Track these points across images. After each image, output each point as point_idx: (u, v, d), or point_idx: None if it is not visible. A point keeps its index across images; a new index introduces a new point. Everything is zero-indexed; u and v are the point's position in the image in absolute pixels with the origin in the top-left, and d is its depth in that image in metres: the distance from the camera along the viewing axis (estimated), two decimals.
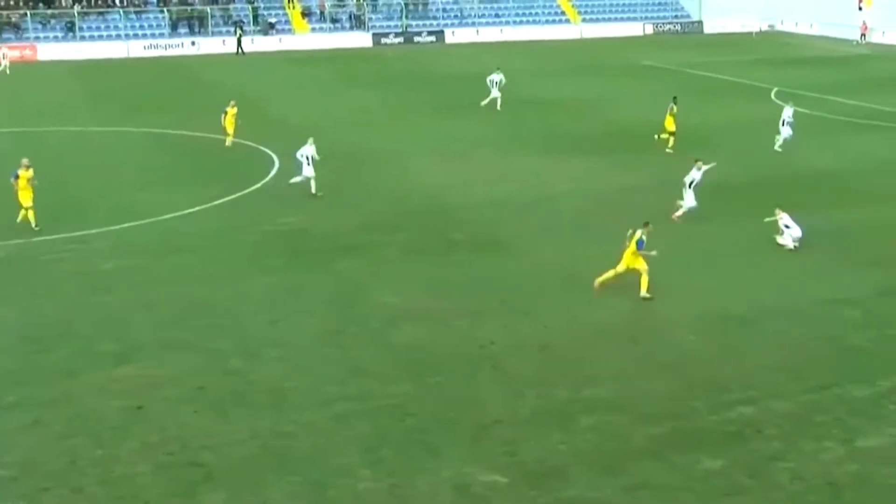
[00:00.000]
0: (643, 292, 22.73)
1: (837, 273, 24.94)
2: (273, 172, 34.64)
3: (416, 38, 75.74)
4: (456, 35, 76.54)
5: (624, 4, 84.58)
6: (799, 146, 38.29)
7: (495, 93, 46.62)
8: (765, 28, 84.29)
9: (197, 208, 30.32)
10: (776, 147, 37.78)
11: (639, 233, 22.75)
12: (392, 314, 22.04)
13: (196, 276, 24.72)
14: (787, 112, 38.32)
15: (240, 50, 70.33)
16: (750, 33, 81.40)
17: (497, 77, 46.92)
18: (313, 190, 31.31)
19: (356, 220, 29.19)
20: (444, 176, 31.09)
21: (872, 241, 27.20)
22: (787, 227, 26.49)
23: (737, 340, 20.84)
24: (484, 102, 46.74)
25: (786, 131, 37.88)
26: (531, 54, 68.28)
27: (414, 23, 77.46)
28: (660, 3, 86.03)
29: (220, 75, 59.37)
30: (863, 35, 77.84)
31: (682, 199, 28.60)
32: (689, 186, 28.52)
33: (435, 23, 78.12)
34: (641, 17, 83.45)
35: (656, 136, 38.25)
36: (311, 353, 20.10)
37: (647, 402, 18.02)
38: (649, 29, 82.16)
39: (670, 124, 38.14)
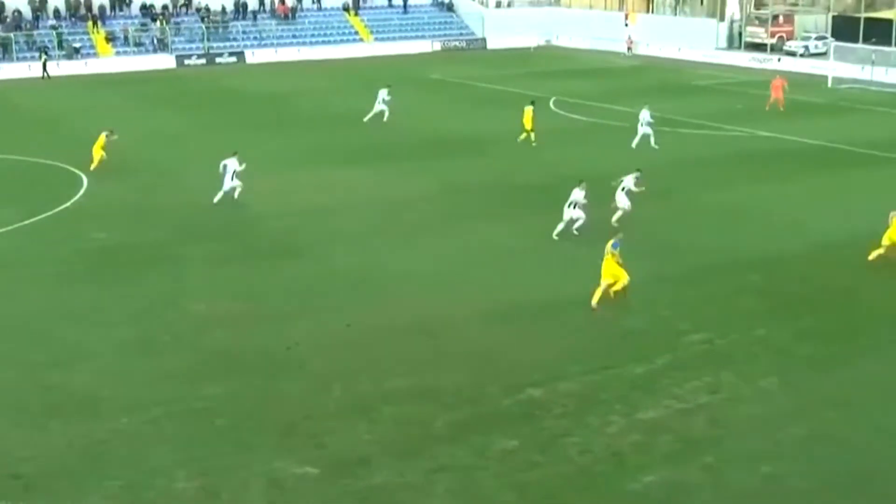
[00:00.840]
0: (619, 288, 22.20)
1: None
2: (82, 191, 33.39)
3: (218, 59, 74.31)
4: (256, 56, 75.51)
5: (413, 23, 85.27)
6: (574, 151, 39.63)
7: (380, 106, 45.93)
8: (542, 43, 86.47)
9: (6, 228, 28.95)
10: (653, 145, 39.70)
11: (612, 240, 22.49)
12: (200, 321, 21.58)
13: (6, 292, 23.69)
14: (645, 114, 40.26)
15: (45, 74, 67.48)
16: (529, 48, 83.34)
17: (384, 94, 46.29)
18: (218, 198, 30.80)
19: (165, 233, 28.46)
20: (249, 188, 30.67)
21: (645, 233, 28.23)
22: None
23: (526, 329, 21.22)
24: (366, 118, 45.90)
25: (643, 130, 39.90)
26: (328, 72, 68.06)
27: (215, 44, 76.02)
28: (446, 22, 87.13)
29: (25, 99, 56.85)
30: (629, 48, 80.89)
31: (616, 203, 28.75)
32: (622, 190, 28.84)
33: (235, 44, 76.89)
34: (430, 35, 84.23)
35: (520, 139, 40.42)
36: (124, 362, 19.50)
37: (445, 391, 18.14)
38: (437, 46, 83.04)
39: (528, 122, 40.56)
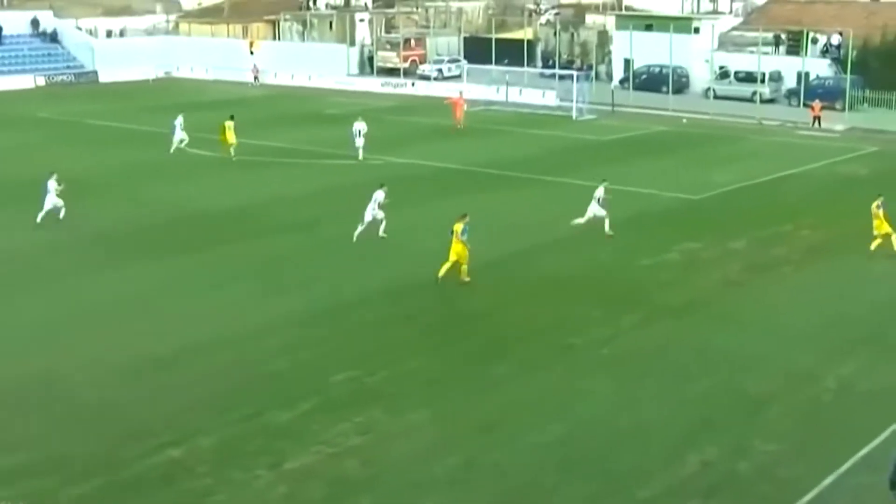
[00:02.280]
0: (464, 277, 27.13)
1: (259, 301, 26.16)
2: None
3: None
4: None
5: (10, 56, 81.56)
6: (196, 187, 39.77)
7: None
8: (161, 75, 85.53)
9: None
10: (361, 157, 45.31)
11: (460, 224, 26.97)
12: None
13: None
14: (360, 125, 46.09)
15: None
16: (147, 80, 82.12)
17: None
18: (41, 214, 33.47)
19: None
20: None
21: (291, 268, 29.02)
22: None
23: (162, 381, 20.98)
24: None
25: (359, 141, 45.60)
26: None
27: None
28: (50, 54, 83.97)
29: None
30: (256, 77, 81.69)
31: (582, 215, 32.26)
32: (598, 202, 32.30)
33: None
34: (31, 69, 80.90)
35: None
36: None
37: (73, 459, 17.56)
38: (41, 81, 79.86)
39: (230, 137, 45.65)
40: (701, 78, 70.07)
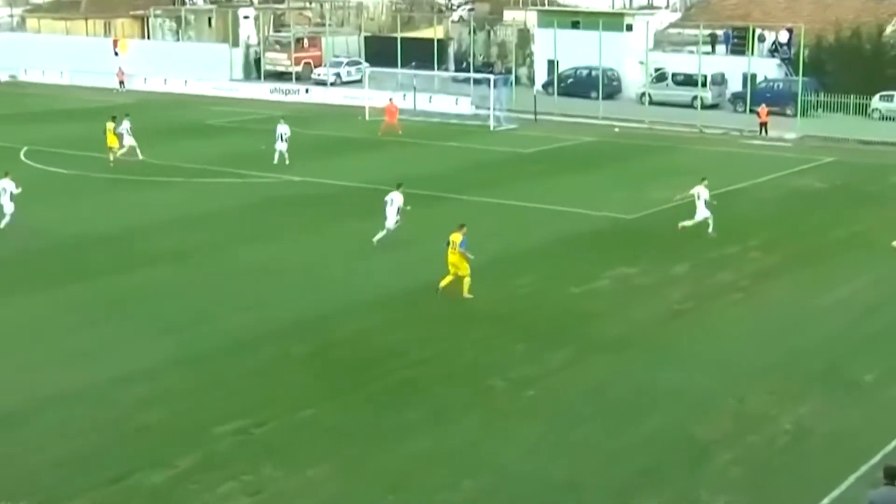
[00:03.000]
0: (466, 293, 28.77)
1: (127, 344, 25.76)
2: None
3: None
4: None
5: None
6: (53, 210, 39.38)
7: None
8: (5, 79, 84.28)
9: None
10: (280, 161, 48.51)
11: (459, 235, 28.76)
12: None
13: None
14: (283, 128, 49.46)
15: None
16: None
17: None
18: (5, 223, 36.14)
19: None
20: None
21: (163, 306, 28.63)
22: None
23: (14, 439, 20.55)
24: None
25: (281, 146, 48.96)
26: None
27: None
28: None
29: None
30: (122, 82, 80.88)
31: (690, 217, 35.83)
32: (704, 203, 35.92)
33: None
34: None
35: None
36: None
37: None
38: None
39: (112, 140, 48.78)
40: (635, 81, 71.27)
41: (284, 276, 31.45)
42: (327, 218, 38.94)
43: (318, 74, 79.47)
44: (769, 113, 59.44)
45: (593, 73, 70.19)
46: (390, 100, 62.91)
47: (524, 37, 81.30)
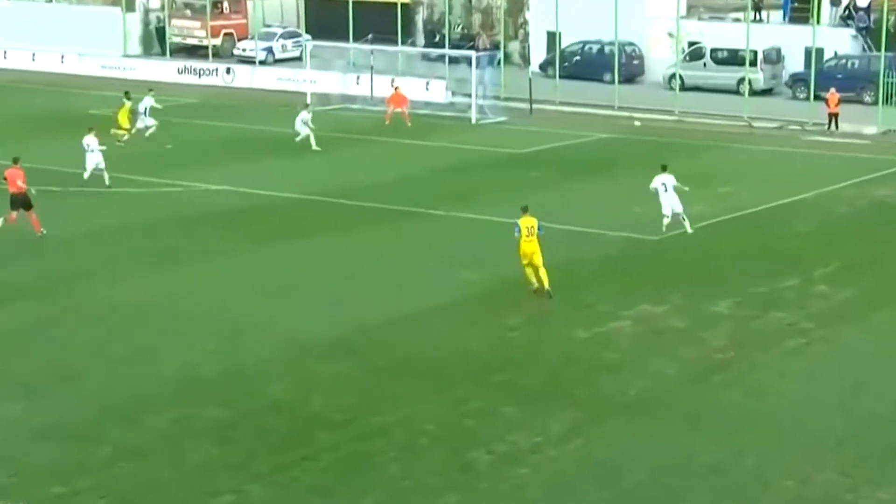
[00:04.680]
0: (546, 287, 32.39)
1: None
2: None
3: None
4: None
5: None
6: None
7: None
8: None
9: None
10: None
11: (532, 218, 32.41)
12: None
13: None
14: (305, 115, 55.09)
15: None
16: None
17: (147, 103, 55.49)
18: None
19: None
20: None
21: (11, 360, 28.53)
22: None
23: None
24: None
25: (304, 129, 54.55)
26: None
27: None
28: None
29: None
30: None
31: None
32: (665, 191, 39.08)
33: None
34: None
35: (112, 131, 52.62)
36: None
37: None
38: None
39: (124, 120, 55.19)
40: (661, 60, 71.26)
41: (180, 318, 31.25)
42: (245, 239, 38.76)
43: (244, 50, 79.51)
44: (841, 101, 59.41)
45: (607, 48, 70.31)
46: (396, 88, 63.28)
47: (516, 1, 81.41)
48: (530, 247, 32.11)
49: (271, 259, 36.37)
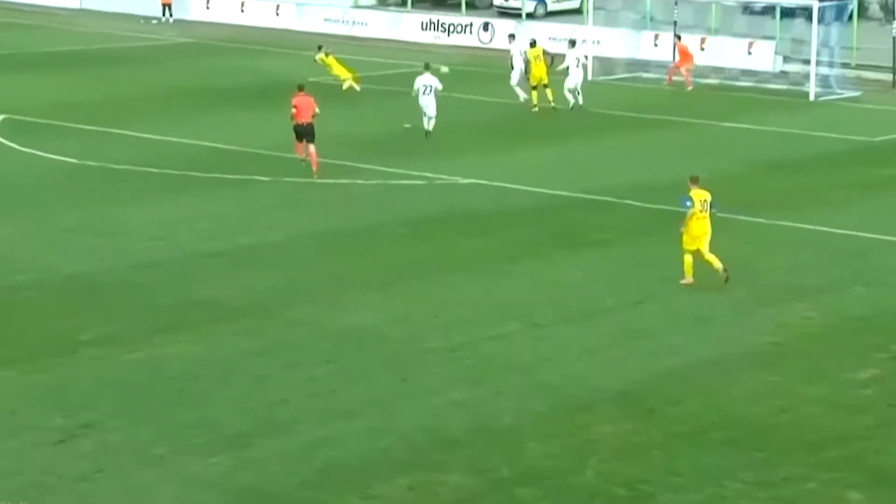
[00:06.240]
0: (721, 269, 33.84)
1: None
2: None
3: None
4: None
5: None
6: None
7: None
8: None
9: None
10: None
11: (703, 191, 34.11)
12: None
13: None
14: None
15: None
16: None
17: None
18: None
19: None
20: None
21: None
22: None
23: None
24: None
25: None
26: None
27: None
28: None
29: None
30: (167, 7, 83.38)
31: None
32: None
33: None
34: None
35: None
36: None
37: None
38: None
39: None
40: None
41: (417, 353, 31.15)
42: (502, 249, 38.56)
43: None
44: None
45: None
46: (678, 37, 64.61)
47: None
48: (703, 226, 33.26)
49: (536, 276, 36.32)
